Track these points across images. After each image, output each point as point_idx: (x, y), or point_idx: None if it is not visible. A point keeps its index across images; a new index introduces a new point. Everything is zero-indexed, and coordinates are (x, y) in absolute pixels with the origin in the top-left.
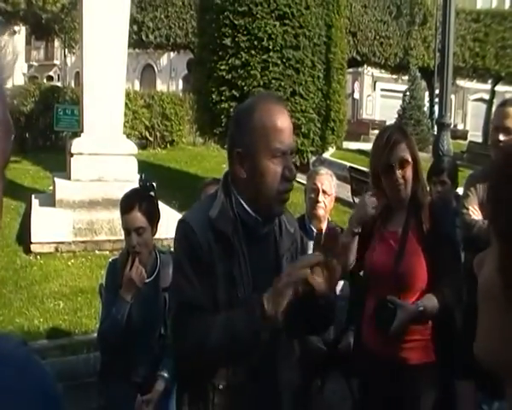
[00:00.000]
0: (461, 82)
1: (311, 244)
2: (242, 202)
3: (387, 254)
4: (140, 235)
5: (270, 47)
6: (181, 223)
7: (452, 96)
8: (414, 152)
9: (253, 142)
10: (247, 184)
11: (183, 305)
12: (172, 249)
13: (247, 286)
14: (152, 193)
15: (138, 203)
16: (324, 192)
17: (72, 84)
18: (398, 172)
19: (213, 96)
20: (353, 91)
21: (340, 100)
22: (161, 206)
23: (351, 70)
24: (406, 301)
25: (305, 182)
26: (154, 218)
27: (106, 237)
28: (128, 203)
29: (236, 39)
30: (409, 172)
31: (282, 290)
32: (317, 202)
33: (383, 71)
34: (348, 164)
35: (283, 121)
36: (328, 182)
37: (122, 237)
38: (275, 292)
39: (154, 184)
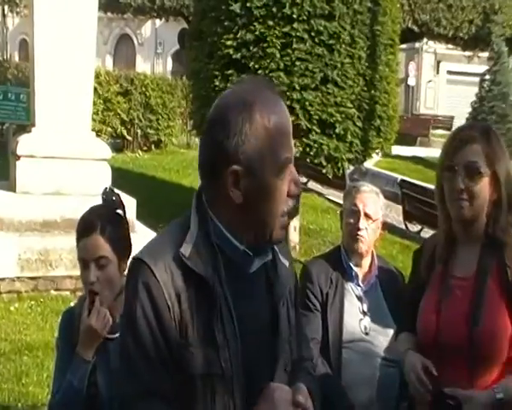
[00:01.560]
0: None
1: (349, 287)
2: (226, 231)
3: (455, 311)
4: (101, 268)
5: (294, 16)
6: (136, 264)
7: None
8: (495, 163)
9: (257, 154)
10: (241, 210)
11: (137, 390)
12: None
13: (232, 348)
14: (120, 211)
15: (100, 224)
16: (367, 216)
17: (16, 58)
18: (461, 180)
19: (216, 83)
20: (408, 76)
21: (390, 89)
22: (142, 229)
23: (405, 46)
24: (483, 379)
25: (340, 201)
26: (122, 246)
27: (66, 271)
28: (86, 224)
29: (248, 4)
30: (480, 187)
31: None
32: (358, 229)
33: (451, 46)
34: (399, 177)
35: (289, 120)
36: (372, 202)
37: None
38: None
39: (134, 199)
